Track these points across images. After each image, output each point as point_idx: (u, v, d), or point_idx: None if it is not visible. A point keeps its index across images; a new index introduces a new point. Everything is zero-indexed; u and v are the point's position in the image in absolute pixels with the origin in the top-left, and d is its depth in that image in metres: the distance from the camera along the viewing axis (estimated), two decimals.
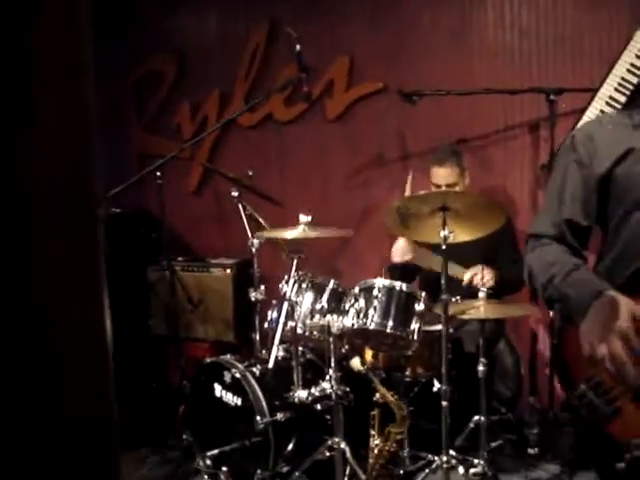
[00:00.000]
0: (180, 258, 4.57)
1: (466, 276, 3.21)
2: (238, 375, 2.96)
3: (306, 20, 4.21)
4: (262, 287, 3.48)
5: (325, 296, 2.99)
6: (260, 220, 3.43)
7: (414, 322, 2.85)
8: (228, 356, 3.22)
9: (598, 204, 1.67)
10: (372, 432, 2.73)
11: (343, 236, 3.81)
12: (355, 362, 2.94)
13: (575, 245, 1.70)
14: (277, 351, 2.96)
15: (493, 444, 3.18)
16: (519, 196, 3.89)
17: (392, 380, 3.07)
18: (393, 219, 2.79)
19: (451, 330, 3.04)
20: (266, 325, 3.18)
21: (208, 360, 3.22)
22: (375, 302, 2.86)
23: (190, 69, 4.88)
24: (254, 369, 3.04)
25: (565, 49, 3.66)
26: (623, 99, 3.45)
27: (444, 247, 2.69)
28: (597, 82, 3.40)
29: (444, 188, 3.42)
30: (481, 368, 2.90)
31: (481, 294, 2.86)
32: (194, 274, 4.45)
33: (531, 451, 3.27)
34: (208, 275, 4.52)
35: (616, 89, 3.47)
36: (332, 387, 2.86)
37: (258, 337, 3.40)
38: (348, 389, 2.88)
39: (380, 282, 2.89)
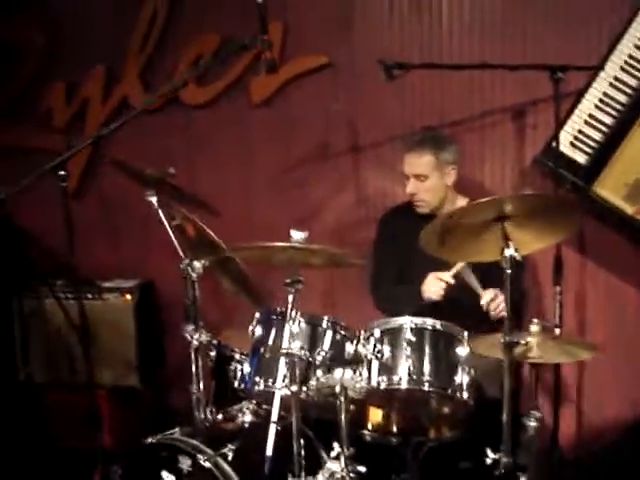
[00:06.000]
0: (59, 282, 3.54)
1: (485, 297, 2.49)
2: (208, 464, 2.05)
3: None
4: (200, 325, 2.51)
5: (326, 342, 2.15)
6: (210, 236, 2.47)
7: (459, 373, 2.09)
8: (177, 431, 2.28)
9: None
10: None
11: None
12: None
13: None
14: (273, 430, 2.05)
15: None
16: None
17: (411, 446, 2.28)
18: (431, 236, 2.01)
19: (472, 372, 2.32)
20: (237, 383, 2.29)
21: (151, 440, 2.24)
22: (404, 350, 2.06)
23: (65, 38, 3.78)
24: (226, 451, 2.13)
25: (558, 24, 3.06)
26: (632, 80, 2.95)
27: (509, 271, 1.94)
28: (594, 59, 2.94)
29: (412, 179, 2.84)
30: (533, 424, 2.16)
31: (534, 327, 2.13)
32: (80, 302, 3.28)
33: None
34: (101, 303, 3.56)
35: (622, 68, 2.97)
36: (344, 469, 2.05)
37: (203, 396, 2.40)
38: (364, 470, 2.07)
39: (407, 321, 2.10)
